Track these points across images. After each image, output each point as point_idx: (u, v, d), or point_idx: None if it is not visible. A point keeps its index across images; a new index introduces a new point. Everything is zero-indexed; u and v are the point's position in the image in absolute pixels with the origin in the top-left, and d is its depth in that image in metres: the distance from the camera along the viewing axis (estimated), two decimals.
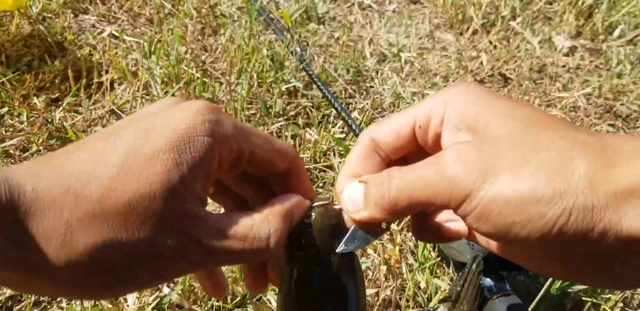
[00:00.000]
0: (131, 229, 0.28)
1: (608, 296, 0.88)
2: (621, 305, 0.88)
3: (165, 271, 0.30)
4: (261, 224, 0.32)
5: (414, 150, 0.36)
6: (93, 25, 1.44)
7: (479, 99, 0.32)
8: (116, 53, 1.31)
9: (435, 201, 0.29)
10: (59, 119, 1.12)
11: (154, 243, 0.28)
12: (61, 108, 1.15)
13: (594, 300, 0.87)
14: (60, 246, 0.27)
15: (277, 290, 0.40)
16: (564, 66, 1.50)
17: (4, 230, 0.26)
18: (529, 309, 0.78)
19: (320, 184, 1.06)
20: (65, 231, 0.27)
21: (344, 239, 0.35)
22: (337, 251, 0.35)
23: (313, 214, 0.36)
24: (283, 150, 0.35)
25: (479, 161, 0.28)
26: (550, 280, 0.81)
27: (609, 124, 1.32)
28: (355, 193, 0.33)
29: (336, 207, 0.36)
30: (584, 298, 0.88)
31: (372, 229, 0.35)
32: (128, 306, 0.81)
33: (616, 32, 1.61)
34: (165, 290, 0.82)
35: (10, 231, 0.26)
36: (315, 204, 0.36)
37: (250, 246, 0.31)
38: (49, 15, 1.41)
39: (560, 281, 0.83)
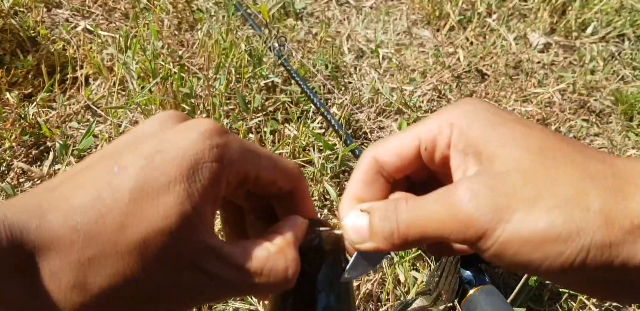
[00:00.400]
0: (148, 267, 0.26)
1: None
2: None
3: (183, 306, 0.29)
4: (277, 255, 0.31)
5: (419, 168, 0.35)
6: (66, 20, 1.41)
7: (486, 123, 0.31)
8: (91, 48, 1.28)
9: (449, 238, 0.29)
10: (33, 115, 1.09)
11: (171, 279, 0.27)
12: (34, 104, 1.13)
13: (571, 291, 0.88)
14: (71, 288, 0.25)
15: None
16: (539, 62, 1.52)
17: (7, 273, 0.24)
18: (508, 300, 0.79)
19: None
20: (76, 273, 0.25)
21: (347, 268, 0.34)
22: (341, 280, 0.34)
23: (317, 239, 0.35)
24: (288, 171, 0.34)
25: (492, 200, 0.28)
26: None
27: (583, 119, 1.35)
28: (359, 223, 0.33)
29: (337, 232, 0.36)
30: (561, 289, 0.89)
31: (374, 256, 0.34)
32: None
33: (589, 29, 1.64)
34: None
35: (15, 274, 0.24)
36: (318, 229, 0.35)
37: (267, 280, 0.30)
38: (21, 9, 1.38)
39: None
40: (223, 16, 1.45)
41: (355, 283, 0.86)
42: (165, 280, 0.27)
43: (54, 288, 0.25)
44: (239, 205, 0.38)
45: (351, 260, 0.34)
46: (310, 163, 1.08)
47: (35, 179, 1.01)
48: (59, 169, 1.02)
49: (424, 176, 0.36)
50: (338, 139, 1.10)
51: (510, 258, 0.27)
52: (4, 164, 1.02)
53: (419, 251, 0.90)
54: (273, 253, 0.30)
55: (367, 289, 0.86)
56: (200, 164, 0.28)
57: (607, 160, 0.28)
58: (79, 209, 0.26)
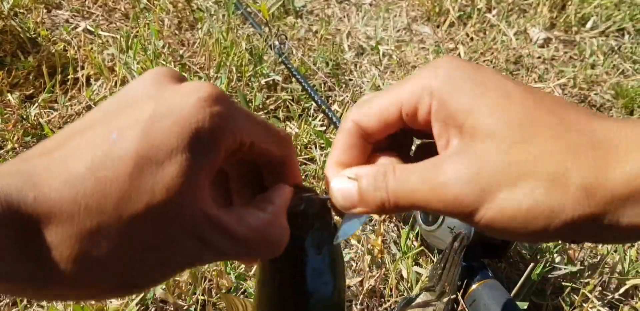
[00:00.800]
0: (149, 237, 0.26)
1: (587, 280, 0.90)
2: (599, 288, 0.90)
3: (179, 270, 0.29)
4: (270, 224, 0.31)
5: (401, 128, 0.36)
6: (67, 21, 1.41)
7: (466, 94, 0.31)
8: (91, 48, 1.29)
9: (440, 211, 0.30)
10: (35, 116, 1.10)
11: (170, 248, 0.27)
12: (36, 105, 1.13)
13: (573, 285, 0.88)
14: (73, 261, 0.25)
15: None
16: (539, 57, 1.52)
17: (6, 245, 0.23)
18: (511, 294, 0.80)
19: (303, 177, 1.06)
20: (78, 245, 0.24)
21: (338, 232, 0.35)
22: (334, 242, 0.35)
23: (302, 204, 0.36)
24: (280, 137, 0.34)
25: (475, 181, 0.29)
26: (530, 266, 0.83)
27: None
28: (346, 188, 0.33)
29: (322, 197, 0.36)
30: (563, 283, 0.89)
31: (361, 216, 0.35)
32: (111, 302, 0.80)
33: (589, 24, 1.64)
34: None
35: (14, 245, 0.24)
36: (305, 195, 0.36)
37: (260, 248, 0.31)
38: (21, 10, 1.39)
39: (540, 267, 0.85)
40: (223, 15, 1.45)
41: (358, 279, 0.86)
42: (165, 248, 0.27)
43: (56, 260, 0.24)
44: (225, 170, 0.38)
45: (341, 223, 0.35)
46: (312, 160, 1.09)
47: None
48: None
49: (407, 132, 0.37)
50: None
51: (499, 231, 0.29)
52: None
53: (422, 247, 0.91)
54: (267, 222, 0.31)
55: (370, 285, 0.87)
56: (202, 133, 0.27)
57: (588, 130, 0.29)
58: (77, 179, 0.25)
